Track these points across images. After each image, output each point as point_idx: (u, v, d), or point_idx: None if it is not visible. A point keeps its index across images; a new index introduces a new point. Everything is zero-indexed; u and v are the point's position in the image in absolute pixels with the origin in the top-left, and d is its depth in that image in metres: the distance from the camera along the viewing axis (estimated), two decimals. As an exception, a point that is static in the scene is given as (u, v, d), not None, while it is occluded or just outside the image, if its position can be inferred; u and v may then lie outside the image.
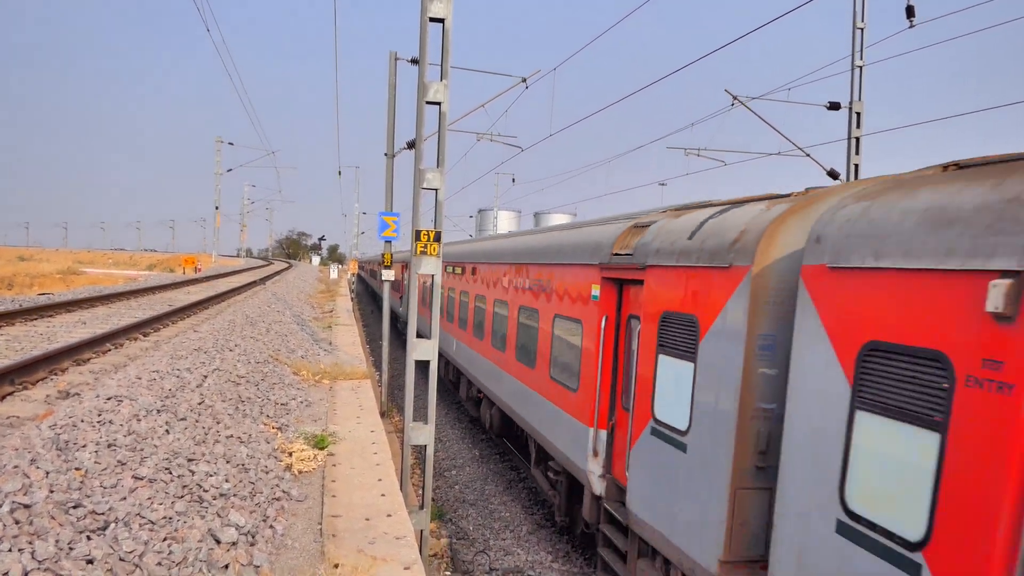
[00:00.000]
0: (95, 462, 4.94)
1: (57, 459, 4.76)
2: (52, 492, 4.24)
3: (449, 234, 79.57)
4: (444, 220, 8.85)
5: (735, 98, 15.13)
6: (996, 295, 3.27)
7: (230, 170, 50.30)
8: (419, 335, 8.88)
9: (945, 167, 4.61)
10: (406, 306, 17.72)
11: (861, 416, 4.14)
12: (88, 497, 4.39)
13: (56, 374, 9.69)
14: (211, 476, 5.53)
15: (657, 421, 6.68)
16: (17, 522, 3.82)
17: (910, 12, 12.89)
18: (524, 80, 15.61)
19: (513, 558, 9.77)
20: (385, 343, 16.84)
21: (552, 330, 9.99)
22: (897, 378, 3.91)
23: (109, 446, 5.34)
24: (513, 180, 53.84)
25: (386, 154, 16.46)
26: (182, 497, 4.98)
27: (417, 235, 8.57)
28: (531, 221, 64.79)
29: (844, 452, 4.25)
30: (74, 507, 4.22)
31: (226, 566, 4.34)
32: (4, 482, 4.13)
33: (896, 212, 4.10)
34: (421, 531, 8.69)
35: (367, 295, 62.70)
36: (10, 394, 8.36)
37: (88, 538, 3.95)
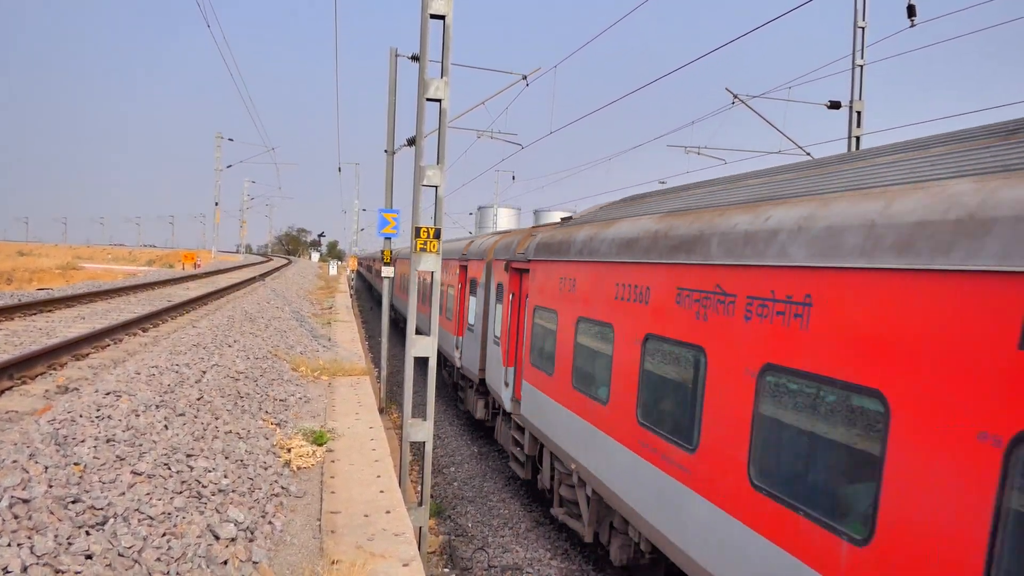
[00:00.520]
0: (94, 457, 4.94)
1: (56, 454, 4.76)
2: (51, 487, 4.24)
3: (449, 231, 79.47)
4: (444, 217, 8.87)
5: (736, 96, 15.12)
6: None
7: (230, 166, 51.62)
8: (418, 332, 8.97)
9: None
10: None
11: (498, 307, 12.65)
12: (87, 492, 4.39)
13: (55, 369, 9.68)
14: (210, 472, 5.53)
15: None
16: (16, 517, 3.82)
17: (911, 11, 12.87)
18: (525, 77, 15.59)
19: (512, 555, 9.78)
20: (384, 340, 16.84)
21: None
22: (507, 299, 11.90)
23: (108, 441, 5.34)
24: (513, 177, 53.73)
25: (386, 151, 16.45)
26: (181, 493, 4.97)
27: (417, 232, 8.58)
28: (531, 218, 64.58)
29: (489, 319, 13.42)
30: (73, 502, 4.21)
31: (225, 562, 4.34)
32: (3, 477, 4.13)
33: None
34: (420, 528, 8.71)
35: (366, 291, 62.68)
36: (9, 389, 8.35)
37: (87, 533, 3.95)
